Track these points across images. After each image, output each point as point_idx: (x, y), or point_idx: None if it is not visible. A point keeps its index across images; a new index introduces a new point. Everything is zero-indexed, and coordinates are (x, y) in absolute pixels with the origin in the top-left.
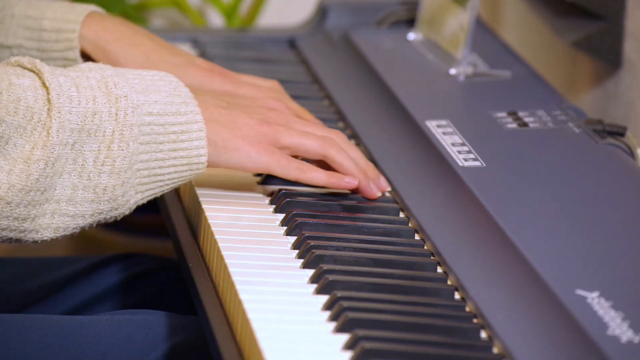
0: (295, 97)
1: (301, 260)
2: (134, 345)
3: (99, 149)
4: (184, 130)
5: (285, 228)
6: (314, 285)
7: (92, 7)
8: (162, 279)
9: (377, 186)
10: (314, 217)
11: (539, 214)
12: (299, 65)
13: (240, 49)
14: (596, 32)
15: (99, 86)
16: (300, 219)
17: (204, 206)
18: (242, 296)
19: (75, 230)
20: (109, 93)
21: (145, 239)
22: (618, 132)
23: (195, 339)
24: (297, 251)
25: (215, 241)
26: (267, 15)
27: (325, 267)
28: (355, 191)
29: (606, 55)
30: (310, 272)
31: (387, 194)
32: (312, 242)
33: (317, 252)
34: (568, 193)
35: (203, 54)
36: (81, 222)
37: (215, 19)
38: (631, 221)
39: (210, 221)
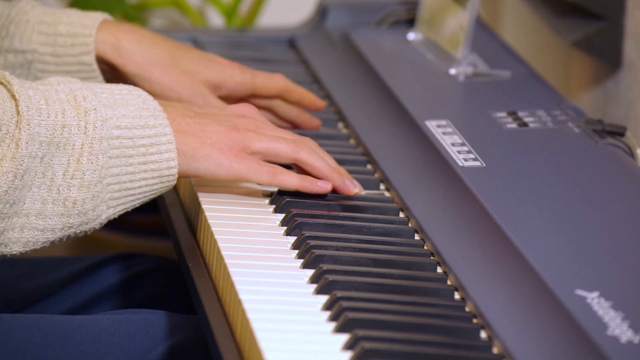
0: None
1: (301, 260)
2: (134, 345)
3: (68, 162)
4: (153, 142)
5: (285, 228)
6: (314, 285)
7: (106, 15)
8: (162, 279)
9: (346, 186)
10: (313, 217)
11: (538, 214)
12: (299, 65)
13: (240, 49)
14: (596, 32)
15: (68, 99)
16: (300, 219)
17: (203, 206)
18: (242, 296)
19: (45, 245)
20: (77, 106)
21: (145, 239)
22: (618, 132)
23: (195, 338)
24: (297, 251)
25: (215, 241)
26: (267, 15)
27: (325, 267)
28: (332, 191)
29: (606, 55)
30: (310, 272)
31: (387, 194)
32: (312, 242)
33: (317, 252)
34: (568, 193)
35: None
36: (51, 236)
37: (215, 19)
38: (631, 221)
39: (210, 221)
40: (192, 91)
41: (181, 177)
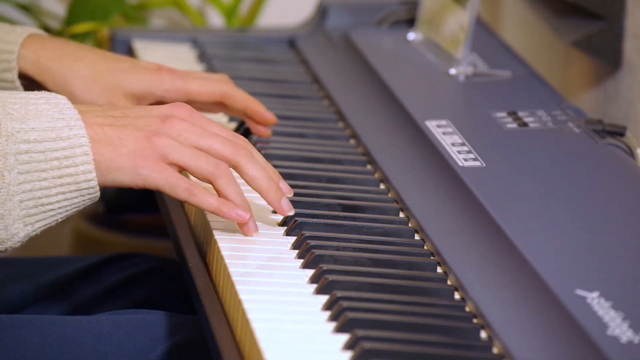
0: (295, 97)
1: (301, 260)
2: (134, 345)
3: None
4: (67, 155)
5: (285, 228)
6: (314, 285)
7: (32, 29)
8: (162, 279)
9: (278, 209)
10: (313, 217)
11: (538, 214)
12: (299, 65)
13: (240, 49)
14: (596, 32)
15: None
16: (300, 219)
17: None
18: (242, 296)
19: None
20: None
21: (145, 239)
22: (618, 132)
23: (195, 338)
24: (297, 251)
25: (215, 241)
26: (267, 15)
27: (325, 267)
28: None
29: (606, 55)
30: (310, 272)
31: (388, 195)
32: (312, 242)
33: (317, 252)
34: (568, 193)
35: (203, 54)
36: None
37: (215, 19)
38: (631, 221)
39: (210, 221)
40: (111, 105)
41: (102, 187)
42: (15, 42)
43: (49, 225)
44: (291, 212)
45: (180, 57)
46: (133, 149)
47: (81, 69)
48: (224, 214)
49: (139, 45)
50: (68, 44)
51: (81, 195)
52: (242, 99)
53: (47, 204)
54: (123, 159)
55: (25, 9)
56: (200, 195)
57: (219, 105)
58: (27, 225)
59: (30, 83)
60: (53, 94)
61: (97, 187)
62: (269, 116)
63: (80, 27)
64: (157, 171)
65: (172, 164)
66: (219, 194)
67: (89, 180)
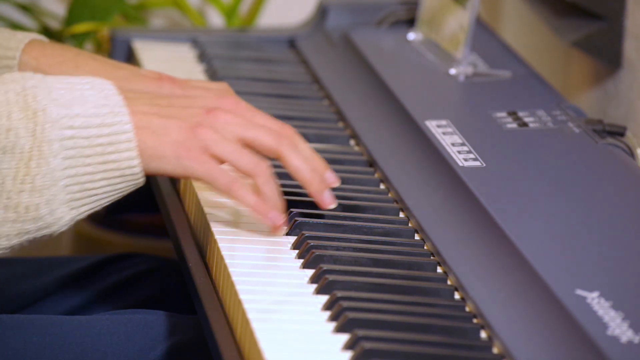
0: (295, 97)
1: (301, 260)
2: (134, 345)
3: (17, 167)
4: (111, 141)
5: (285, 228)
6: (314, 285)
7: (34, 35)
8: (162, 279)
9: (320, 201)
10: (314, 217)
11: (538, 214)
12: (299, 65)
13: (240, 49)
14: (596, 32)
15: (17, 100)
16: (300, 219)
17: (204, 206)
18: (242, 296)
19: (5, 251)
20: (26, 107)
21: (145, 239)
22: (618, 132)
23: (195, 338)
24: (297, 251)
25: (215, 241)
26: (267, 15)
27: (325, 267)
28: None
29: (606, 55)
30: (310, 272)
31: (388, 195)
32: (312, 242)
33: (317, 252)
34: (568, 193)
35: (203, 54)
36: (5, 243)
37: (215, 19)
38: (631, 221)
39: (210, 221)
40: None
41: (147, 175)
42: (17, 48)
43: (94, 210)
44: (332, 205)
45: (180, 57)
46: (176, 139)
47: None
48: (261, 214)
49: (139, 45)
50: (68, 50)
51: (125, 181)
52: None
53: (92, 189)
54: (166, 147)
55: (25, 9)
56: (239, 191)
57: None
58: (73, 209)
59: None
60: (99, 79)
61: (141, 173)
62: None
63: (80, 27)
64: (199, 163)
65: (214, 157)
66: (258, 190)
67: (133, 166)
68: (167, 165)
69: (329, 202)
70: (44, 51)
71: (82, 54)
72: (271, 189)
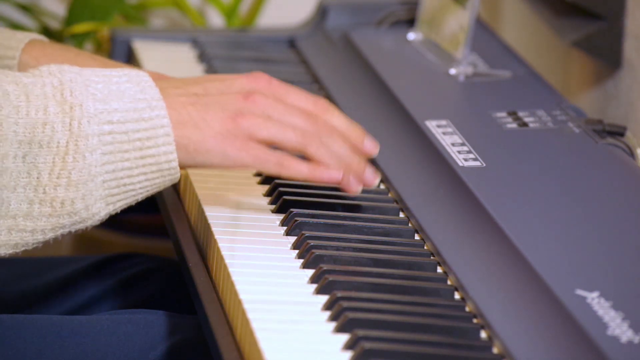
0: None
1: (301, 260)
2: (134, 345)
3: (53, 161)
4: (149, 136)
5: (285, 228)
6: (314, 285)
7: (34, 35)
8: (162, 279)
9: (361, 180)
10: (314, 217)
11: (538, 214)
12: (299, 65)
13: (240, 49)
14: (596, 32)
15: (54, 94)
16: (300, 219)
17: (204, 206)
18: (242, 296)
19: (37, 245)
20: (63, 101)
21: (145, 239)
22: (618, 132)
23: (195, 338)
24: (297, 251)
25: (215, 241)
26: (267, 15)
27: (325, 267)
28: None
29: (606, 55)
30: (310, 272)
31: (388, 195)
32: (312, 242)
33: (317, 252)
34: (568, 193)
35: (203, 54)
36: (41, 238)
37: (215, 19)
38: (631, 221)
39: (210, 221)
40: None
41: (187, 168)
42: (17, 47)
43: (128, 205)
44: (359, 188)
45: (180, 57)
46: (219, 130)
47: None
48: (317, 178)
49: (139, 45)
50: (68, 51)
51: (162, 176)
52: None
53: (129, 184)
54: (211, 141)
55: (25, 9)
56: (292, 166)
57: None
58: (109, 204)
59: None
60: (135, 71)
61: (178, 168)
62: None
63: (80, 27)
64: (246, 150)
65: (261, 141)
66: (313, 160)
67: (170, 161)
68: (215, 158)
69: (355, 186)
70: (44, 51)
71: (82, 54)
72: (326, 152)
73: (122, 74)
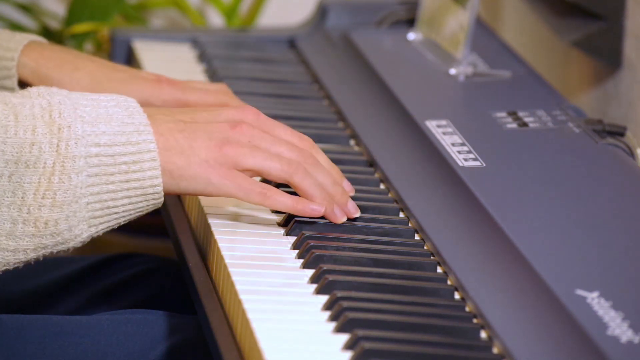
0: (295, 97)
1: (301, 260)
2: (134, 345)
3: (39, 182)
4: (135, 160)
5: (285, 228)
6: (314, 285)
7: (33, 37)
8: (162, 279)
9: (344, 211)
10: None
11: (538, 214)
12: (299, 65)
13: (240, 49)
14: (596, 32)
15: (42, 115)
16: (300, 219)
17: (204, 206)
18: (242, 296)
19: (18, 265)
20: (51, 122)
21: (145, 239)
22: (618, 132)
23: (195, 338)
24: (297, 251)
25: (215, 241)
26: (267, 15)
27: (325, 267)
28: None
29: (606, 55)
30: (310, 272)
31: (388, 195)
32: (312, 242)
33: (317, 252)
34: (568, 193)
35: (203, 54)
36: (22, 257)
37: (215, 19)
38: (631, 221)
39: (210, 221)
40: None
41: (170, 194)
42: (15, 49)
43: (110, 228)
44: (344, 219)
45: (180, 57)
46: (205, 158)
47: (80, 78)
48: (300, 212)
49: (139, 45)
50: (67, 52)
51: (146, 200)
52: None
53: (113, 207)
54: (196, 168)
55: (25, 9)
56: (276, 197)
57: None
58: (92, 226)
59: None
60: (123, 97)
61: (162, 193)
62: None
63: (80, 27)
64: (230, 179)
65: (246, 170)
66: (297, 190)
67: (155, 185)
68: (199, 185)
69: (340, 217)
70: (42, 53)
71: (81, 56)
72: (311, 183)
73: (110, 98)
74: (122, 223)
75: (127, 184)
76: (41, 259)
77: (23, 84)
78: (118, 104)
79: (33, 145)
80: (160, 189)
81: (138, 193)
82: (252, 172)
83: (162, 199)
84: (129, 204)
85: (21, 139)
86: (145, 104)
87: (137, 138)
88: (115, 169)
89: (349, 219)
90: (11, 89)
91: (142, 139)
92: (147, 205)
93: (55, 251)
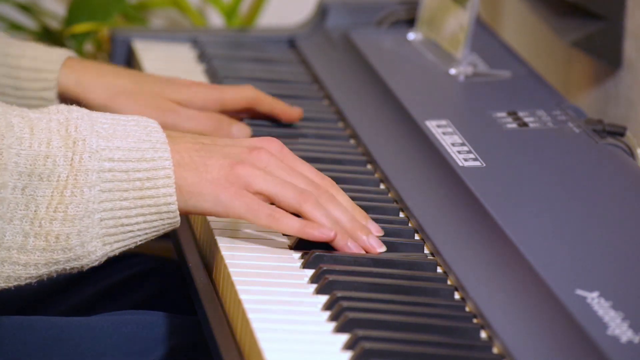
0: (295, 97)
1: (301, 260)
2: (134, 346)
3: (52, 195)
4: (149, 177)
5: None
6: (314, 285)
7: (71, 52)
8: (162, 279)
9: (365, 247)
10: None
11: (538, 214)
12: (299, 65)
13: (240, 49)
14: (596, 32)
15: (59, 129)
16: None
17: None
18: (242, 296)
19: (29, 281)
20: (67, 136)
21: None
22: (618, 132)
23: (195, 339)
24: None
25: (215, 241)
26: (267, 15)
27: (325, 267)
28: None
29: (606, 55)
30: (310, 272)
31: (388, 195)
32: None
33: (317, 252)
34: (568, 193)
35: (203, 54)
36: (34, 272)
37: (215, 19)
38: (631, 221)
39: (210, 221)
40: (160, 109)
41: (182, 214)
42: (57, 61)
43: (127, 247)
44: (376, 249)
45: (180, 57)
46: (217, 176)
47: (124, 83)
48: (309, 235)
49: (139, 45)
50: (105, 65)
51: (161, 219)
52: (269, 101)
53: (127, 225)
54: (206, 185)
55: (25, 9)
56: (284, 220)
57: (246, 111)
58: (106, 244)
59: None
60: (144, 118)
61: (177, 212)
62: (294, 112)
63: (80, 27)
64: (238, 198)
65: (257, 193)
66: (306, 219)
67: (169, 203)
68: (207, 202)
69: (354, 249)
70: (84, 65)
71: (120, 67)
72: (321, 213)
73: (130, 118)
74: (139, 243)
75: (141, 200)
76: (54, 275)
77: (63, 97)
78: (138, 124)
79: (47, 158)
80: (174, 207)
81: (152, 211)
82: (263, 197)
83: (178, 218)
84: (144, 222)
85: (36, 151)
86: (188, 102)
87: (153, 155)
88: (129, 185)
89: None
90: (50, 101)
91: (158, 155)
92: (163, 225)
93: (68, 268)
